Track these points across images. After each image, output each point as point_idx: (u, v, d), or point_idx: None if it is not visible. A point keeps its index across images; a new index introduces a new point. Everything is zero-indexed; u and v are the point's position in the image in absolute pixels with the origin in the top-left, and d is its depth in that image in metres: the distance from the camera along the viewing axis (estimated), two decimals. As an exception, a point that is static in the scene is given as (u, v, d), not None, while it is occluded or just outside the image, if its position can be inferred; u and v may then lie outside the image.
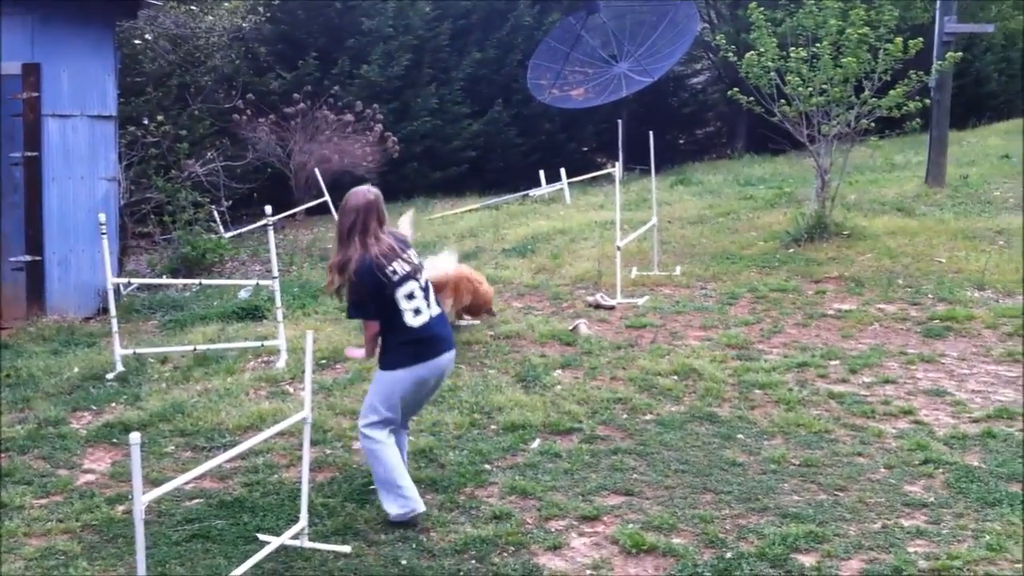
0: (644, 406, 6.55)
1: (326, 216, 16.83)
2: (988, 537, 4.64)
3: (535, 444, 5.98)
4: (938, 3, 14.61)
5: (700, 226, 12.68)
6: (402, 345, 4.98)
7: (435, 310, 5.10)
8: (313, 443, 5.87)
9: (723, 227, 12.50)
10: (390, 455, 5.01)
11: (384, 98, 19.60)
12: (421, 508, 5.01)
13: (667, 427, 6.19)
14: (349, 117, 17.88)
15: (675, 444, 5.92)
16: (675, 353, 7.61)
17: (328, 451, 5.99)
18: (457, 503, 5.22)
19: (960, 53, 13.79)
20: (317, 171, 16.91)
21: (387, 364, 5.04)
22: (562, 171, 17.33)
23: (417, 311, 4.98)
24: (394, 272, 4.94)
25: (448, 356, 5.11)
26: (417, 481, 5.43)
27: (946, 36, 14.28)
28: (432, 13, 20.89)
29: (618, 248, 9.43)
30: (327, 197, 16.92)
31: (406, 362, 4.98)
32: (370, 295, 4.90)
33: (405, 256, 5.04)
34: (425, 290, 5.07)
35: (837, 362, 7.40)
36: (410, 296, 4.97)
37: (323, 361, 7.72)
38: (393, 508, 4.99)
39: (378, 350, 5.05)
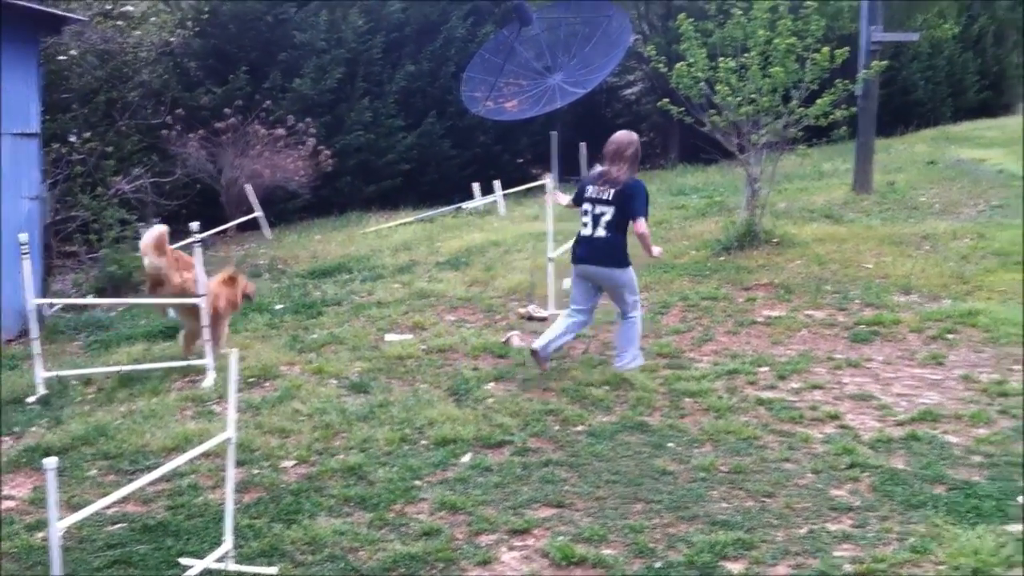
0: (576, 417, 6.54)
1: (257, 232, 16.66)
2: (912, 539, 4.69)
3: (466, 458, 5.94)
4: (864, 13, 14.87)
5: (634, 236, 12.74)
6: None
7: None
8: (240, 463, 5.77)
9: (656, 236, 12.52)
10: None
11: (317, 112, 19.46)
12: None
13: (598, 437, 6.19)
14: (281, 131, 17.73)
15: (606, 454, 5.92)
16: (606, 363, 7.62)
17: (255, 471, 5.89)
18: (386, 520, 5.16)
19: (886, 62, 14.05)
20: (248, 186, 16.73)
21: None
22: (496, 183, 17.34)
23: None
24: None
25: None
26: (345, 499, 5.37)
27: (872, 45, 14.54)
28: (365, 26, 20.80)
29: (550, 259, 9.44)
30: (259, 212, 16.76)
31: None
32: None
33: None
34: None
35: (766, 368, 7.47)
36: None
37: (251, 379, 7.61)
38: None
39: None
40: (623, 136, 7.42)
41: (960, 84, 29.91)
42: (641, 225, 7.23)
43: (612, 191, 7.25)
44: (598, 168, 7.54)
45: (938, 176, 16.49)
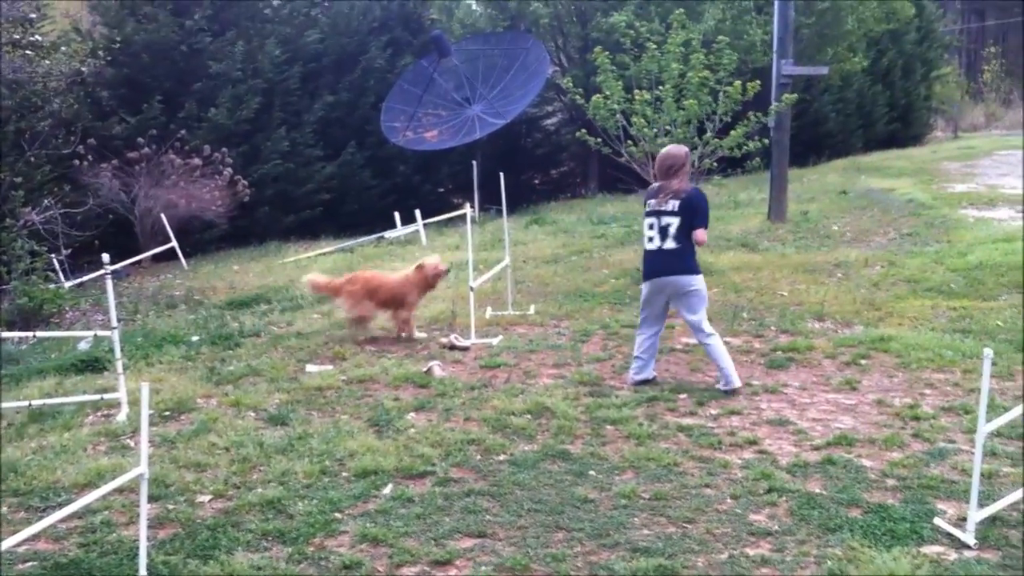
0: (498, 446, 6.53)
1: (174, 262, 16.38)
2: (830, 563, 4.76)
3: (387, 490, 5.88)
4: (775, 47, 15.25)
5: (554, 265, 12.83)
6: None
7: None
8: (154, 498, 5.64)
9: (576, 266, 12.68)
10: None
11: (233, 141, 19.27)
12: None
13: (520, 467, 6.17)
14: (197, 161, 17.52)
15: (528, 483, 5.91)
16: (528, 392, 7.63)
17: (171, 506, 5.75)
18: (306, 554, 5.08)
19: (796, 95, 14.40)
20: (163, 216, 16.46)
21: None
22: (417, 212, 17.33)
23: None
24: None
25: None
26: (264, 533, 5.27)
27: (783, 79, 14.90)
28: (282, 56, 20.70)
29: (471, 288, 9.44)
30: (174, 243, 16.50)
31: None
32: None
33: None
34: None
35: (685, 395, 7.54)
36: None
37: (166, 412, 7.45)
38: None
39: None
40: (674, 150, 7.91)
41: (870, 116, 30.82)
42: (702, 235, 7.57)
43: (677, 202, 7.56)
44: (656, 184, 7.88)
45: (849, 205, 16.91)
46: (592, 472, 6.08)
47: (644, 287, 7.77)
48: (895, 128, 32.44)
